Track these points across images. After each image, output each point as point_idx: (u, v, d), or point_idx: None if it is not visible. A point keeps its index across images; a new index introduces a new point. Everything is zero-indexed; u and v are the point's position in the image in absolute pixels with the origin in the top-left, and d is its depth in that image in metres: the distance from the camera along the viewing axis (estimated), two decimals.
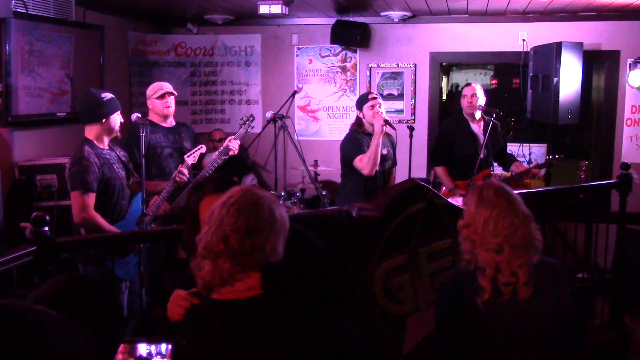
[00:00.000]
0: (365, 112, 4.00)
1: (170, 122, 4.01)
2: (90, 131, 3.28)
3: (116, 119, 3.29)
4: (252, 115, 4.09)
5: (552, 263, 2.15)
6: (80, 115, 3.36)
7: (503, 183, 2.15)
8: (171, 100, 3.93)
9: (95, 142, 3.27)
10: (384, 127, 3.84)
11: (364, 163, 3.85)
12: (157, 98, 3.91)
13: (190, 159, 3.71)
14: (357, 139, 4.00)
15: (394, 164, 4.19)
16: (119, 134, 3.36)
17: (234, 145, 3.82)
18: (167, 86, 3.96)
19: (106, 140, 3.34)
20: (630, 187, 3.79)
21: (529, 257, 1.98)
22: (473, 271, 2.03)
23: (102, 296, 1.16)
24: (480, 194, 2.04)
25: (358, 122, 4.08)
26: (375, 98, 4.04)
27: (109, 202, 3.25)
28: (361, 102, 4.09)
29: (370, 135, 3.92)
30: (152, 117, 3.96)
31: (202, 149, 3.82)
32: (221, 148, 3.87)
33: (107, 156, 3.30)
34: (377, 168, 3.89)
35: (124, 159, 3.42)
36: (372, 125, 3.91)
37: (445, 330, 2.09)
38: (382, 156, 3.92)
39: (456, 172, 4.54)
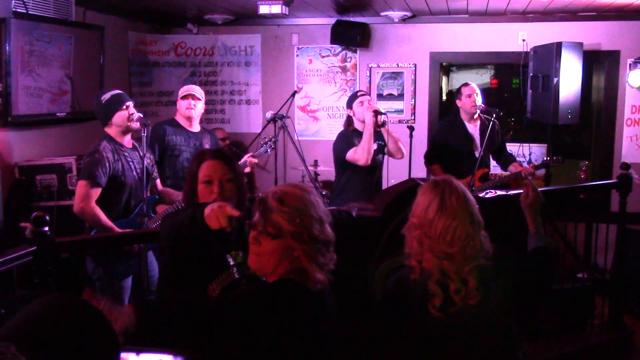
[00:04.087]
0: (355, 108, 4.05)
1: (195, 127, 4.01)
2: (109, 130, 3.33)
3: (122, 116, 3.29)
4: (275, 137, 4.16)
5: (501, 253, 2.04)
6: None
7: (461, 184, 2.06)
8: (195, 104, 3.93)
9: (115, 138, 3.31)
10: (376, 118, 3.89)
11: (358, 154, 3.90)
12: (182, 98, 3.94)
13: None
14: (347, 136, 4.06)
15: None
16: (134, 125, 3.30)
17: (252, 162, 3.91)
18: (194, 89, 3.99)
19: (127, 137, 3.37)
20: (630, 187, 3.79)
21: (478, 261, 1.92)
22: (417, 278, 1.94)
23: (93, 319, 1.09)
24: (442, 198, 1.92)
25: (348, 121, 4.14)
26: (364, 94, 4.14)
27: (115, 197, 3.26)
28: (351, 100, 4.14)
29: (361, 133, 3.97)
30: (178, 118, 3.98)
31: (246, 169, 3.84)
32: (242, 162, 3.89)
33: (126, 154, 3.32)
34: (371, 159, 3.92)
35: (147, 160, 3.38)
36: (363, 122, 3.95)
37: (390, 340, 2.00)
38: (374, 150, 3.95)
39: (451, 171, 4.54)
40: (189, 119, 3.96)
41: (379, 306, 2.08)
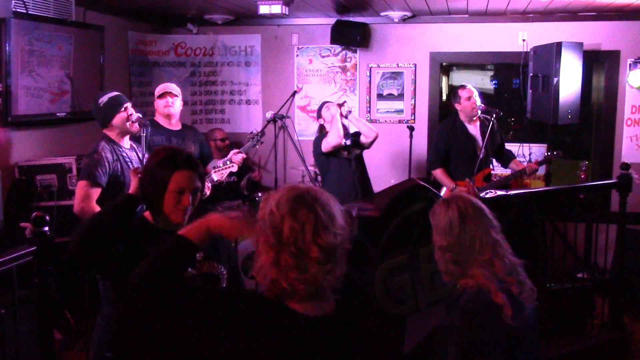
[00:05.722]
0: (324, 114, 4.42)
1: (176, 125, 3.98)
2: (108, 132, 3.33)
3: (121, 118, 3.29)
4: (262, 132, 4.22)
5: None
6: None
7: (470, 195, 2.09)
8: (173, 101, 3.91)
9: (114, 139, 3.31)
10: (340, 109, 4.30)
11: (329, 137, 4.27)
12: (158, 97, 3.92)
13: (217, 175, 3.67)
14: (321, 136, 4.42)
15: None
16: (133, 128, 3.31)
17: (237, 158, 3.87)
18: (171, 87, 3.96)
19: (125, 139, 3.37)
20: (630, 187, 3.79)
21: (518, 261, 1.96)
22: (478, 292, 1.92)
23: None
24: (460, 211, 1.95)
25: (320, 129, 4.54)
26: (328, 102, 4.53)
27: (115, 197, 3.25)
28: (319, 110, 4.52)
29: None
30: (157, 118, 3.95)
31: (233, 167, 3.81)
32: (226, 159, 3.88)
33: (125, 154, 3.31)
34: (345, 148, 4.30)
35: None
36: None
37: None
38: (347, 146, 4.33)
39: (456, 173, 4.55)
40: (169, 116, 3.92)
41: (461, 334, 1.92)
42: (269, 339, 1.42)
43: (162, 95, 3.91)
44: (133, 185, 2.09)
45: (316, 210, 1.44)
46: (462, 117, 4.66)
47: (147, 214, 2.12)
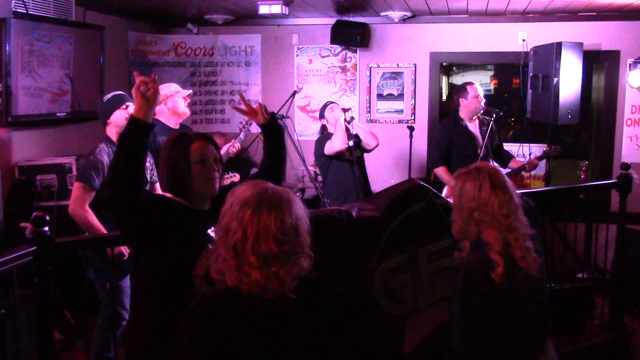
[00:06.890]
0: (327, 114, 4.44)
1: (177, 124, 3.94)
2: (109, 131, 3.34)
3: (119, 114, 3.28)
4: (250, 121, 4.26)
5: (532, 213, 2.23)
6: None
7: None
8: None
9: (114, 140, 3.30)
10: (344, 113, 4.33)
11: (334, 141, 4.27)
12: (184, 97, 3.84)
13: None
14: (323, 137, 4.46)
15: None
16: None
17: (233, 150, 4.08)
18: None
19: None
20: (630, 187, 3.79)
21: (530, 229, 2.09)
22: (481, 250, 2.05)
23: None
24: (491, 177, 2.10)
25: (322, 129, 4.56)
26: (332, 103, 4.56)
27: None
28: (322, 110, 4.54)
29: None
30: (162, 117, 3.83)
31: (235, 177, 3.89)
32: (222, 152, 3.93)
33: None
34: (347, 149, 4.28)
35: (146, 164, 3.36)
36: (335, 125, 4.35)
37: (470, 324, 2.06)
38: (349, 147, 4.30)
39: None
40: (181, 116, 3.87)
41: (461, 294, 2.06)
42: (226, 323, 1.47)
43: (184, 96, 3.86)
44: (135, 107, 2.05)
45: (261, 214, 1.45)
46: (462, 114, 4.62)
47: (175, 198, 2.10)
